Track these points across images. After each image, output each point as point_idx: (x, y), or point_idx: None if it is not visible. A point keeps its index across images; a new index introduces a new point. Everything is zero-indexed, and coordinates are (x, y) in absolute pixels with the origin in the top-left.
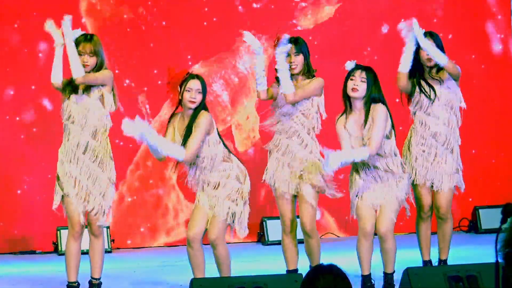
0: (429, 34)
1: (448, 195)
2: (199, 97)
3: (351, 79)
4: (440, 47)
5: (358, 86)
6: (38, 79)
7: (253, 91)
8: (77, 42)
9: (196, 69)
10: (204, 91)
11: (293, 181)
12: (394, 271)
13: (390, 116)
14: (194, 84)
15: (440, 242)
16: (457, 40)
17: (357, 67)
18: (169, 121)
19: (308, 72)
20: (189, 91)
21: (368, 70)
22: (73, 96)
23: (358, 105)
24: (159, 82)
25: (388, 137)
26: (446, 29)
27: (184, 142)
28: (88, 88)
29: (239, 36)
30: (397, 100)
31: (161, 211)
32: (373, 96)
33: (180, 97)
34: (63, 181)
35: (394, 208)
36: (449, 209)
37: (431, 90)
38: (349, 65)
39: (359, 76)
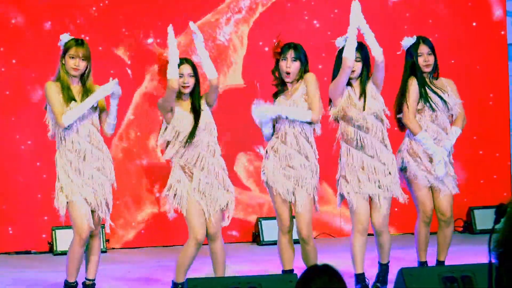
0: (421, 40)
1: (451, 198)
2: (191, 81)
3: None
4: (431, 49)
5: (355, 66)
6: (32, 79)
7: (235, 62)
8: (69, 46)
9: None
10: (196, 73)
11: (288, 186)
12: (389, 261)
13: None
14: (185, 69)
15: (441, 244)
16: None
17: None
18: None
19: (301, 78)
20: (181, 76)
21: (360, 48)
22: (74, 104)
23: (355, 83)
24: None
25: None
26: (440, 29)
27: (195, 120)
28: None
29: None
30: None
31: (145, 182)
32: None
33: None
34: (69, 190)
35: (388, 201)
36: (452, 213)
37: (440, 99)
38: (340, 42)
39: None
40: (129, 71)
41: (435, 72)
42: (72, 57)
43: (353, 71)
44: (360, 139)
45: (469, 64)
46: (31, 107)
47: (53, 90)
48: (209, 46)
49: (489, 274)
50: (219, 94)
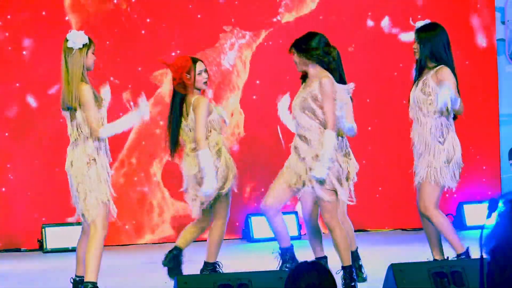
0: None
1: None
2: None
3: None
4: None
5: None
6: (22, 76)
7: (237, 88)
8: (91, 42)
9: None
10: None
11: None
12: (350, 265)
13: None
14: (202, 66)
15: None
16: None
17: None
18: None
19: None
20: (200, 73)
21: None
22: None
23: None
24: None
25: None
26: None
27: None
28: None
29: (222, 32)
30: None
31: (146, 208)
32: None
33: (191, 82)
34: (107, 190)
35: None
36: (423, 208)
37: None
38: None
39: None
40: (131, 103)
41: (428, 60)
42: (93, 53)
43: None
44: None
45: (458, 60)
46: (20, 104)
47: (91, 95)
48: (213, 71)
49: (480, 269)
50: None
